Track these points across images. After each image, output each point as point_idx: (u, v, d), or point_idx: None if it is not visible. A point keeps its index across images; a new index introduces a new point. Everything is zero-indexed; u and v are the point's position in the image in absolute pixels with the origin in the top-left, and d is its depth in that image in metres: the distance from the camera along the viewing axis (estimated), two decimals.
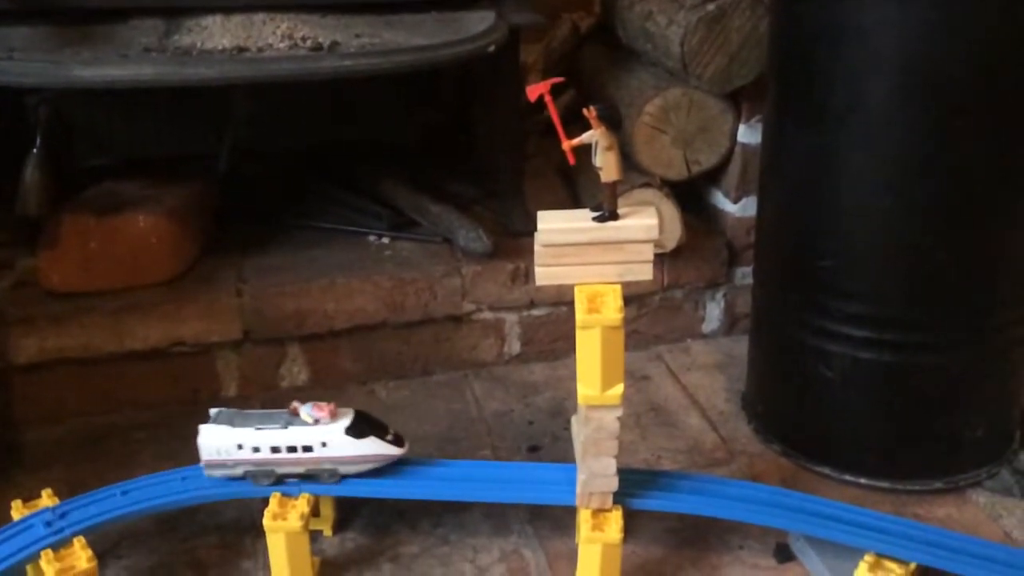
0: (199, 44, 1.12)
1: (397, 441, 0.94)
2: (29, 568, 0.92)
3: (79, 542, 0.89)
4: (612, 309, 0.84)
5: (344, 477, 0.94)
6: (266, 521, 0.91)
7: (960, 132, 0.94)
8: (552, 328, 1.34)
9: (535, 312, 1.33)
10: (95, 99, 1.43)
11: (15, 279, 1.24)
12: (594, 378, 0.86)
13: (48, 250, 1.21)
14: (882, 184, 0.98)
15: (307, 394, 1.26)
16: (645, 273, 0.86)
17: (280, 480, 0.94)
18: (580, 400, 0.87)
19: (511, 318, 1.33)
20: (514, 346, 1.34)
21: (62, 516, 0.91)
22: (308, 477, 0.94)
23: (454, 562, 0.99)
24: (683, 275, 1.36)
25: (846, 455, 1.09)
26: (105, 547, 0.98)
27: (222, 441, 0.93)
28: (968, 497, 1.08)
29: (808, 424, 1.12)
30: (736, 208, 1.36)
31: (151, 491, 0.95)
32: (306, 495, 0.94)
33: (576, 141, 0.85)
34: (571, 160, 0.85)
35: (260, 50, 1.11)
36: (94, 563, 0.88)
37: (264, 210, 1.43)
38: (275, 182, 1.50)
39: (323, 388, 1.28)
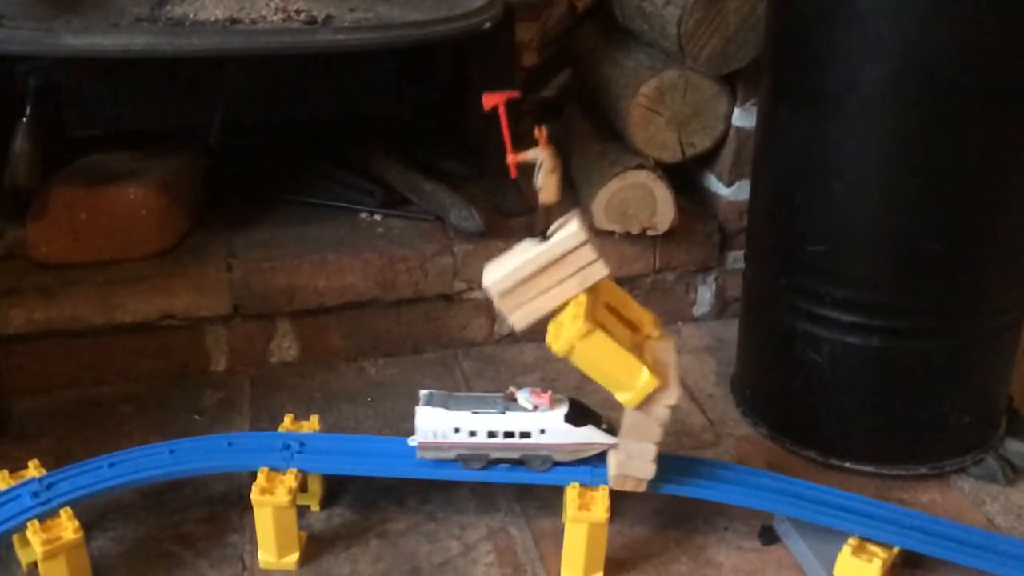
0: (191, 15, 1.11)
1: (611, 430, 0.93)
2: (15, 538, 0.92)
3: (66, 513, 0.89)
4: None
5: (556, 464, 0.94)
6: (254, 495, 0.91)
7: (953, 118, 0.94)
8: None
9: None
10: (85, 69, 1.41)
11: (3, 250, 1.23)
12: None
13: (37, 221, 1.20)
14: (874, 170, 0.98)
15: (296, 369, 1.27)
16: (601, 271, 0.85)
17: (490, 464, 0.94)
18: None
19: None
20: (505, 326, 1.34)
21: (49, 487, 0.91)
22: (520, 462, 0.94)
23: (441, 539, 0.99)
24: (675, 258, 1.36)
25: (832, 439, 1.09)
26: (92, 518, 0.98)
27: (439, 424, 0.92)
28: (953, 483, 1.09)
29: (795, 408, 1.12)
30: (729, 192, 1.36)
31: (139, 463, 0.94)
32: (294, 470, 0.94)
33: (521, 157, 0.85)
34: (512, 173, 0.86)
35: (253, 22, 1.10)
36: (80, 534, 0.88)
37: (255, 185, 1.42)
38: (267, 156, 1.49)
39: (313, 364, 1.28)
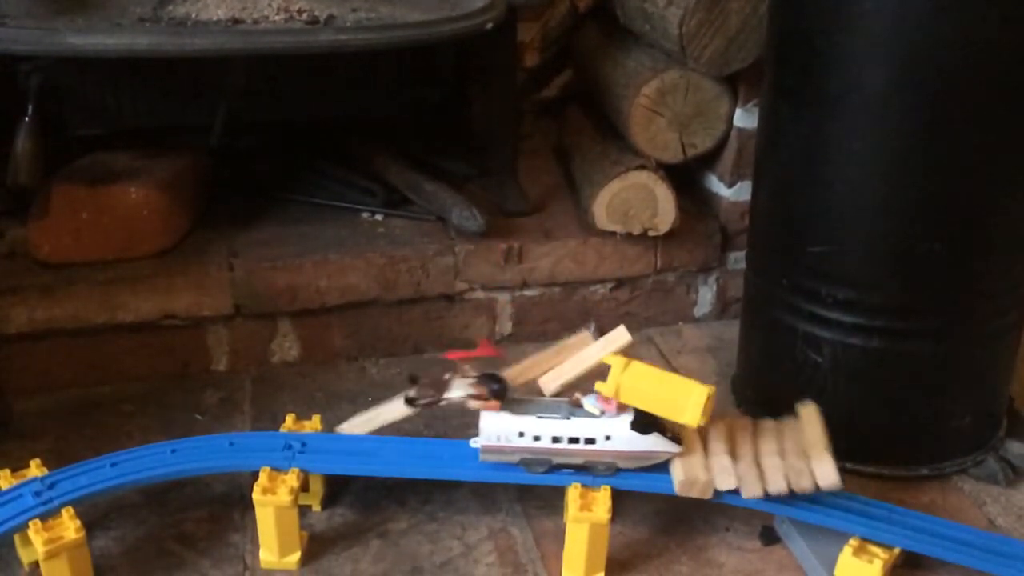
0: (194, 15, 1.11)
1: (676, 439, 0.92)
2: (17, 537, 0.92)
3: (68, 513, 0.89)
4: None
5: (619, 471, 0.93)
6: (255, 495, 0.91)
7: (955, 119, 0.94)
8: (544, 309, 1.34)
9: (528, 292, 1.33)
10: (87, 68, 1.41)
11: (5, 249, 1.23)
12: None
13: (38, 220, 1.20)
14: (875, 171, 0.98)
15: (298, 369, 1.27)
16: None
17: (553, 469, 0.94)
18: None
19: (503, 298, 1.33)
20: (506, 326, 1.34)
21: (51, 486, 0.91)
22: (583, 468, 0.93)
23: (442, 539, 0.99)
24: (676, 258, 1.36)
25: (833, 440, 1.09)
26: (94, 518, 0.98)
27: (504, 427, 0.92)
28: (953, 484, 1.09)
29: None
30: (730, 192, 1.36)
31: (141, 463, 0.94)
32: (296, 469, 0.94)
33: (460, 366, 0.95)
34: (449, 355, 0.96)
35: (256, 22, 1.10)
36: (82, 534, 0.88)
37: (257, 184, 1.42)
38: (268, 156, 1.49)
39: (314, 364, 1.28)
